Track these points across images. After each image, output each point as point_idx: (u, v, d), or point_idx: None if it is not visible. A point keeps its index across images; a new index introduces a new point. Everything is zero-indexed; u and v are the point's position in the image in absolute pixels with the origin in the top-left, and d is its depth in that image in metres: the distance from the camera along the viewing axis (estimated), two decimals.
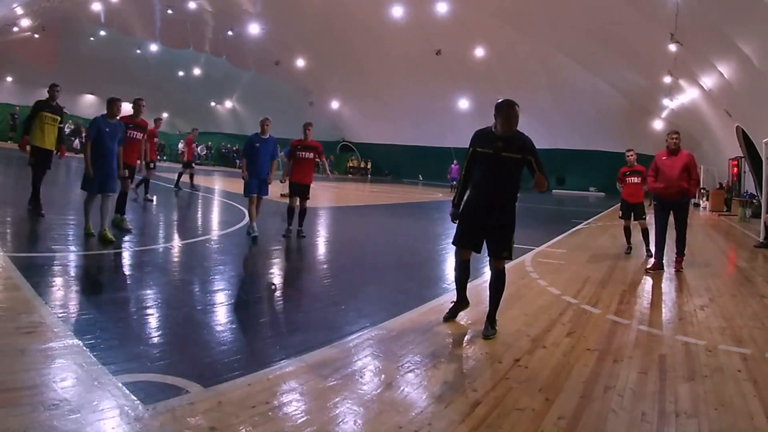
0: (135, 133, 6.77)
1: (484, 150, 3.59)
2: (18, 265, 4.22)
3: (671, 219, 6.23)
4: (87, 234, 5.78)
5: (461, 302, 3.87)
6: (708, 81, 17.22)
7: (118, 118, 6.13)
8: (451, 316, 3.85)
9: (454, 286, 3.89)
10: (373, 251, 7.39)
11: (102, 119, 5.95)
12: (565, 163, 29.15)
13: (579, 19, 20.03)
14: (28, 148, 6.98)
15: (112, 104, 6.07)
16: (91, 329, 3.06)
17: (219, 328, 3.49)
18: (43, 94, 7.35)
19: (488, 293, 3.70)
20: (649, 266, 6.43)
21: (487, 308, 3.67)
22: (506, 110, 3.52)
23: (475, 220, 3.65)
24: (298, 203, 7.31)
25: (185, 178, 13.53)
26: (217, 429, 2.10)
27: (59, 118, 7.22)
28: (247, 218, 8.49)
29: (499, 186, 3.61)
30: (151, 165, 10.01)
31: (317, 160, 7.50)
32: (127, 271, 4.89)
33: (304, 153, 7.30)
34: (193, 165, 13.08)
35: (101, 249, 5.40)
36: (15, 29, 27.47)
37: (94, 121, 5.95)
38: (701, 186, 21.76)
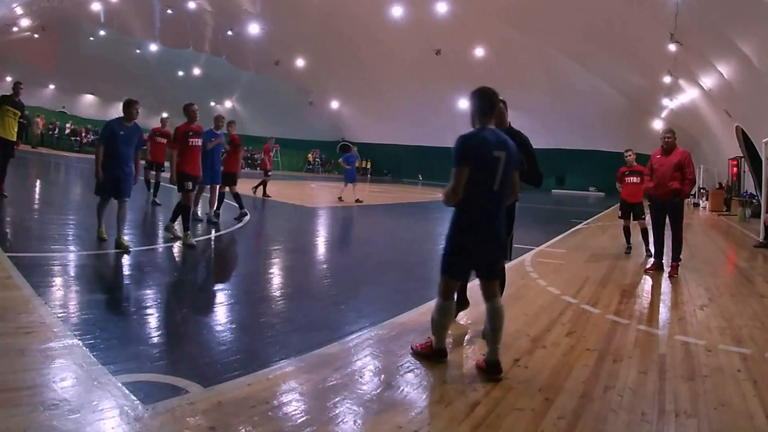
0: (195, 140, 6.26)
1: None
2: (18, 264, 4.22)
3: (668, 220, 6.17)
4: (100, 238, 5.66)
5: (461, 302, 3.87)
6: (708, 81, 17.22)
7: (134, 122, 5.69)
8: None
9: None
10: (373, 251, 7.39)
11: (117, 122, 5.59)
12: (565, 163, 29.16)
13: (579, 19, 20.01)
14: None
15: (130, 107, 5.59)
16: (91, 329, 3.07)
17: (219, 328, 3.49)
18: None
19: None
20: (648, 266, 6.43)
21: None
22: None
23: None
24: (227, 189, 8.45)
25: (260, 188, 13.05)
26: (216, 429, 2.10)
27: (20, 112, 7.88)
28: (248, 216, 8.59)
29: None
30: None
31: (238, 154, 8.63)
32: (126, 270, 4.88)
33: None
34: (268, 173, 12.83)
35: (100, 249, 5.40)
36: (15, 29, 27.44)
37: (107, 124, 5.66)
38: (701, 186, 21.77)
